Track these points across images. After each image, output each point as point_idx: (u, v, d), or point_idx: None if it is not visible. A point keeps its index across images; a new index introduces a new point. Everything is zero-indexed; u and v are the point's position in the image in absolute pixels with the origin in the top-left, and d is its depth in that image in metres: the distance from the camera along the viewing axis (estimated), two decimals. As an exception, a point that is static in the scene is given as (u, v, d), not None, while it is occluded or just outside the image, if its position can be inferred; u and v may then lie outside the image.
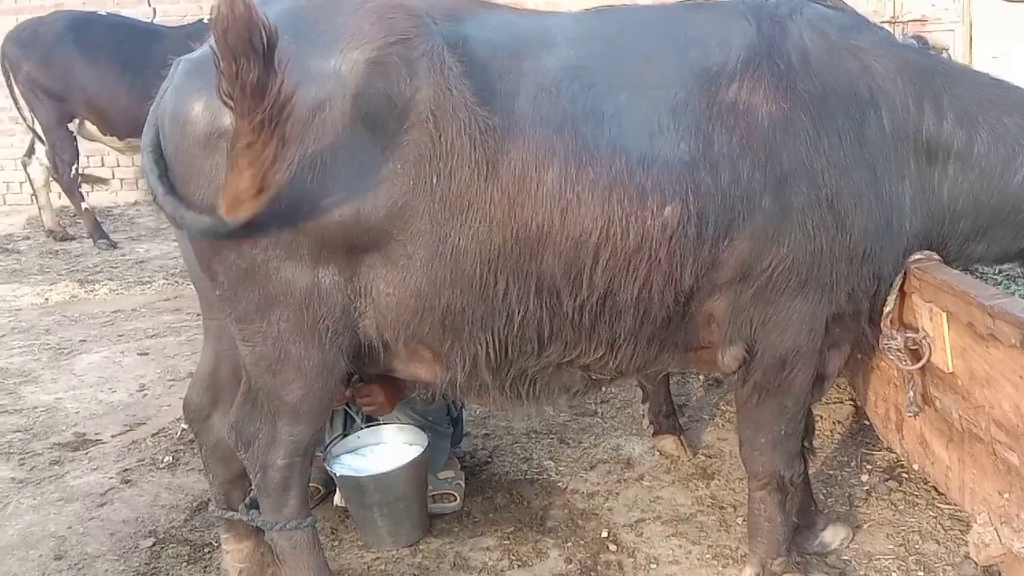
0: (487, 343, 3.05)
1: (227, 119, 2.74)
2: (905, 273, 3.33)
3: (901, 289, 3.37)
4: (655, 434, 4.66)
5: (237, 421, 3.20)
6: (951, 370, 3.30)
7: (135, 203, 11.72)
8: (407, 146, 2.80)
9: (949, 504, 3.90)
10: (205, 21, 9.60)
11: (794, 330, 3.20)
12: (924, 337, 3.35)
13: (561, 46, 3.07)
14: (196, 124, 2.81)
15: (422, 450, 3.88)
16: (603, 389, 4.55)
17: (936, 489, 3.97)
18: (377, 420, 4.10)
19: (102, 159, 11.93)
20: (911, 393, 3.50)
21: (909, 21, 10.57)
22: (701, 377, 5.47)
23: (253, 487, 3.26)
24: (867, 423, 4.56)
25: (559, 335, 3.09)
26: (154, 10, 11.78)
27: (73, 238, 10.26)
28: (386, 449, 4.01)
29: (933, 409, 3.58)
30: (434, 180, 2.82)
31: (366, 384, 3.93)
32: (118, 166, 11.97)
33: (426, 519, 3.96)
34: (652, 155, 2.94)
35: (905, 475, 4.21)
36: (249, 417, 3.16)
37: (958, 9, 10.62)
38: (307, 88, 2.76)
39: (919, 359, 3.38)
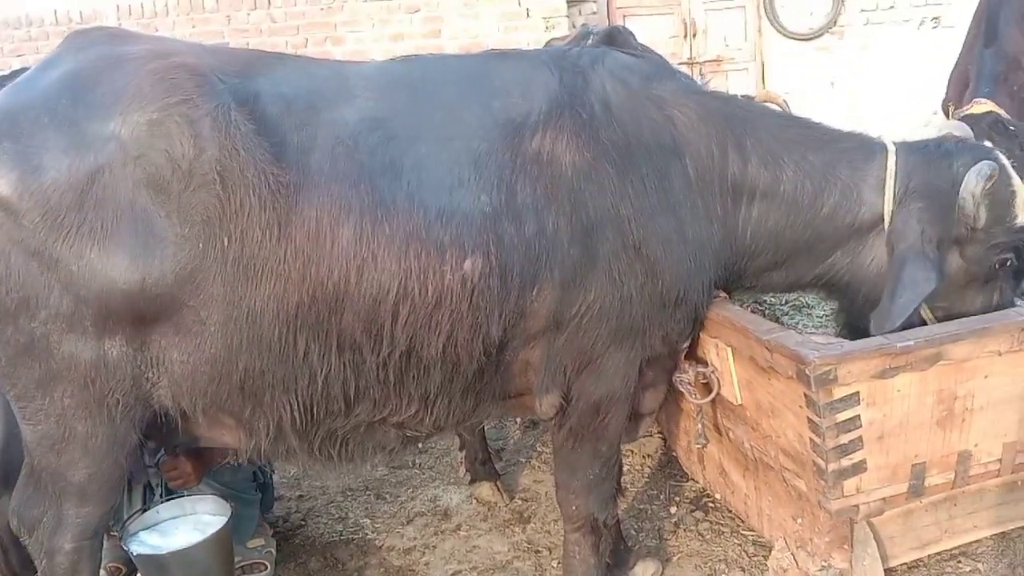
0: (291, 406, 2.96)
1: (0, 186, 2.63)
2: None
3: (690, 326, 3.48)
4: (472, 481, 4.66)
5: (19, 504, 3.02)
6: (740, 402, 3.44)
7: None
8: (194, 209, 2.71)
9: (752, 531, 4.03)
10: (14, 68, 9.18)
11: (608, 376, 3.22)
12: (713, 371, 3.48)
13: (361, 97, 3.02)
14: None
15: (225, 521, 3.72)
16: (420, 445, 4.50)
17: (739, 517, 4.11)
18: (178, 492, 3.93)
19: None
20: (699, 426, 3.63)
21: (705, 62, 11.06)
22: (518, 420, 5.50)
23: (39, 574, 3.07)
24: (675, 455, 4.69)
25: (366, 393, 3.02)
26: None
27: None
28: (188, 522, 3.82)
29: (728, 440, 3.72)
30: (225, 242, 2.73)
31: (172, 457, 3.76)
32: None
33: (235, 592, 3.81)
34: (452, 208, 2.91)
35: (711, 505, 4.34)
36: (33, 500, 2.99)
37: (750, 49, 11.18)
38: (86, 153, 2.67)
39: (709, 392, 3.50)
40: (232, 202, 2.73)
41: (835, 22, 10.69)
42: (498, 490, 4.60)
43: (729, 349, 3.36)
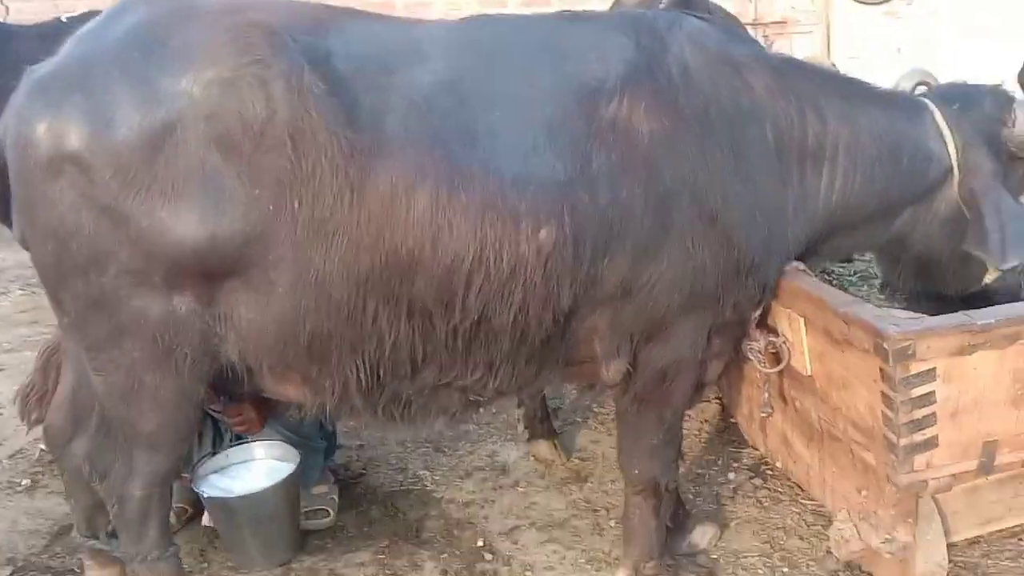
0: (357, 367, 2.96)
1: (72, 140, 2.63)
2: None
3: (762, 294, 3.46)
4: (530, 439, 4.67)
5: (91, 451, 3.09)
6: (809, 373, 3.42)
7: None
8: (265, 171, 2.68)
9: (811, 500, 4.02)
10: (63, 20, 9.25)
11: (676, 343, 3.20)
12: (784, 342, 3.46)
13: (433, 58, 2.95)
14: (38, 147, 2.65)
15: (294, 467, 3.79)
16: (481, 409, 4.52)
17: (799, 486, 4.10)
18: (247, 437, 4.00)
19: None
20: (766, 395, 3.62)
21: (770, 23, 10.88)
22: (575, 380, 5.51)
23: (111, 517, 3.15)
24: (733, 421, 4.69)
25: (433, 358, 3.00)
26: (7, 8, 11.25)
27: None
28: (257, 467, 3.91)
29: (794, 410, 3.70)
30: (296, 206, 2.70)
31: (237, 403, 3.83)
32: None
33: (298, 537, 3.88)
34: (527, 176, 2.84)
35: (770, 472, 4.33)
36: (104, 447, 3.05)
37: (817, 12, 10.95)
38: (157, 110, 2.64)
39: (779, 362, 3.49)
40: (304, 165, 2.69)
41: (905, -14, 10.47)
42: (556, 448, 4.62)
43: (802, 320, 3.33)
